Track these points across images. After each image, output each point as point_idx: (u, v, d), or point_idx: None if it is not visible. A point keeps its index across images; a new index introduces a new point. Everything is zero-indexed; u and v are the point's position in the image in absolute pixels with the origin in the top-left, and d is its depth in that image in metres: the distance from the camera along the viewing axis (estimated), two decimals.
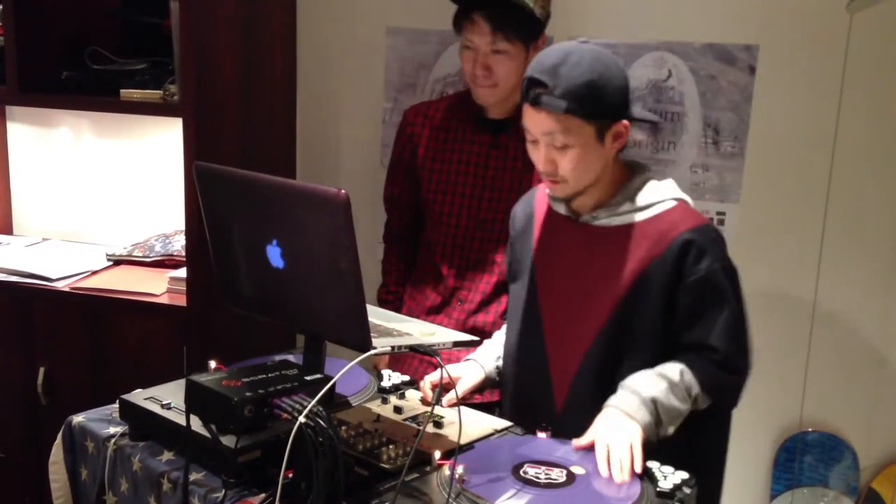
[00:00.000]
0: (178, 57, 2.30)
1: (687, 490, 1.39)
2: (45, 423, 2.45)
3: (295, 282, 1.47)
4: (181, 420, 1.42)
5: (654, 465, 1.45)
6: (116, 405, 1.61)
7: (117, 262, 2.67)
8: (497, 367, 1.87)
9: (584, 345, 1.69)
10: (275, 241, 1.46)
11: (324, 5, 2.81)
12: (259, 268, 1.50)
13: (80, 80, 2.53)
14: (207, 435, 1.37)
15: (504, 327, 1.94)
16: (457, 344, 1.57)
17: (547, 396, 1.73)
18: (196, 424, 1.38)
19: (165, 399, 1.55)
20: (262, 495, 1.35)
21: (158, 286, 2.45)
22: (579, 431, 1.56)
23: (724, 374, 1.64)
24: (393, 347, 1.44)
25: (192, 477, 1.42)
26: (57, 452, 1.67)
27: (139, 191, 2.84)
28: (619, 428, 1.51)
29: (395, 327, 1.59)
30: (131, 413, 1.57)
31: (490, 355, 1.88)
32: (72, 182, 2.90)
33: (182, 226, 2.41)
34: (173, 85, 2.36)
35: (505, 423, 1.65)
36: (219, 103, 2.41)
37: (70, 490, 1.68)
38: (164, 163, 2.72)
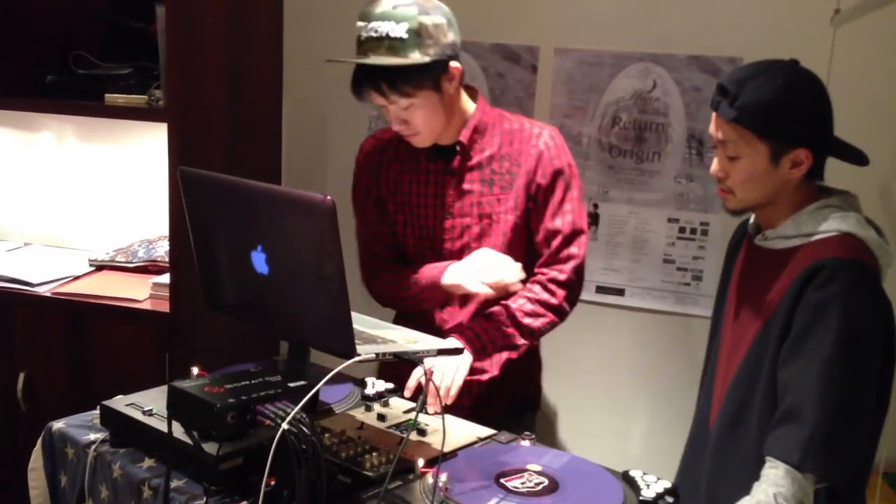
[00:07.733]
0: (163, 62, 2.30)
1: (670, 499, 1.40)
2: (24, 429, 2.42)
3: (279, 288, 1.47)
4: (163, 427, 1.41)
5: (636, 473, 1.45)
6: (97, 411, 1.60)
7: (100, 267, 2.65)
8: None
9: (729, 374, 1.66)
10: (259, 247, 1.45)
11: (310, 11, 2.81)
12: (243, 274, 1.50)
13: (65, 85, 2.52)
14: (189, 442, 1.36)
15: None
16: (441, 352, 1.58)
17: (707, 412, 1.72)
18: (178, 431, 1.38)
19: (147, 405, 1.54)
20: (245, 503, 1.34)
21: (141, 292, 2.44)
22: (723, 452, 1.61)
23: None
24: (377, 355, 1.44)
25: (173, 484, 1.41)
26: (36, 459, 1.66)
27: (123, 196, 2.83)
28: None
29: (380, 334, 1.59)
30: (112, 419, 1.56)
31: None
32: (55, 187, 2.89)
33: (166, 231, 2.40)
34: (158, 90, 2.36)
35: (489, 431, 1.65)
36: (204, 108, 2.41)
37: (49, 497, 1.66)
38: (149, 168, 2.71)
